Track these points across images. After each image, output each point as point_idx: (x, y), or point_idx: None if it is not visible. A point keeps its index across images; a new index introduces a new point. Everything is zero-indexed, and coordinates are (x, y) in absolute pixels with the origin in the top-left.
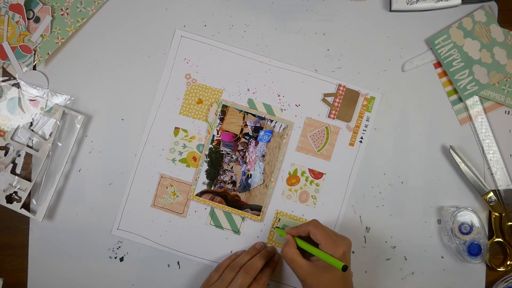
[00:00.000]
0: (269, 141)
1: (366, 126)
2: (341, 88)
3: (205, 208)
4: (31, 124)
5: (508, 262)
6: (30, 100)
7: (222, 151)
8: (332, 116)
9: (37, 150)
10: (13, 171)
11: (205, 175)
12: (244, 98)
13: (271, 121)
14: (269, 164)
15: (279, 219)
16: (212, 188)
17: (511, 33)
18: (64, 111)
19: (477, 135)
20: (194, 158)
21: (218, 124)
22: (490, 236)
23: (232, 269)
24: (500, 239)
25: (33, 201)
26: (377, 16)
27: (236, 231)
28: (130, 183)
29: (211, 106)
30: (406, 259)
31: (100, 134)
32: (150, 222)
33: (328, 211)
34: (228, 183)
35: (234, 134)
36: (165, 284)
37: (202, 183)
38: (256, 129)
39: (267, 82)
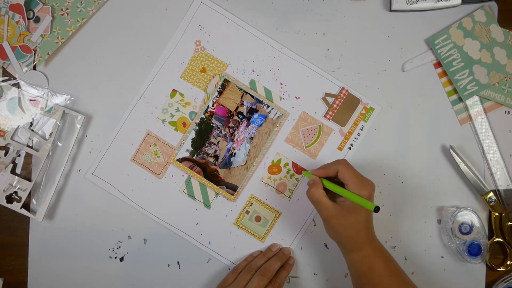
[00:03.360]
0: (261, 125)
1: (358, 134)
2: (344, 92)
3: (182, 175)
4: (31, 124)
5: (508, 262)
6: (30, 100)
7: (212, 123)
8: (328, 116)
9: (37, 150)
10: (13, 171)
11: (191, 143)
12: (247, 78)
13: (268, 106)
14: (255, 148)
15: (251, 203)
16: (194, 157)
17: (511, 33)
18: (64, 111)
19: (477, 135)
20: (184, 124)
21: (216, 96)
22: (490, 236)
23: (248, 271)
24: (500, 239)
25: (33, 201)
26: (377, 16)
27: (207, 205)
28: (116, 132)
29: (213, 77)
30: (406, 259)
31: (100, 134)
32: (126, 175)
33: (301, 208)
34: (211, 156)
35: (229, 110)
36: (165, 284)
37: (185, 149)
38: (251, 111)
39: (273, 67)
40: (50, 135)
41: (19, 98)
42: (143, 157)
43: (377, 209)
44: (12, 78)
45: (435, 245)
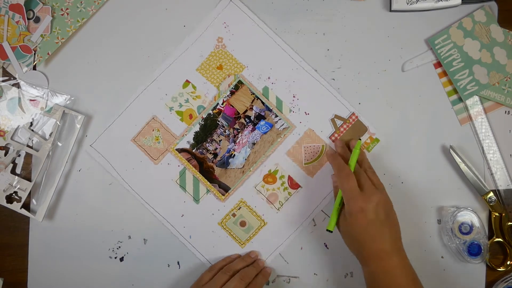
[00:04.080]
0: (265, 132)
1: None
2: (353, 117)
3: (178, 165)
4: (31, 124)
5: (508, 262)
6: (30, 100)
7: (219, 121)
8: (333, 138)
9: (37, 150)
10: (13, 171)
11: (193, 136)
12: (261, 83)
13: (276, 116)
14: (255, 154)
15: (240, 207)
16: (193, 150)
17: (511, 33)
18: (64, 111)
19: (477, 135)
20: (191, 116)
21: (227, 96)
22: (490, 236)
23: (225, 272)
24: (500, 239)
25: (33, 201)
26: (377, 16)
27: (196, 200)
28: (122, 110)
29: (228, 76)
30: None
31: (100, 134)
32: (124, 154)
33: (287, 222)
34: (210, 153)
35: (237, 111)
36: (165, 284)
37: (186, 141)
38: (259, 117)
39: (289, 79)
40: (50, 135)
41: (19, 98)
42: (143, 140)
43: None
44: (12, 78)
45: (435, 245)
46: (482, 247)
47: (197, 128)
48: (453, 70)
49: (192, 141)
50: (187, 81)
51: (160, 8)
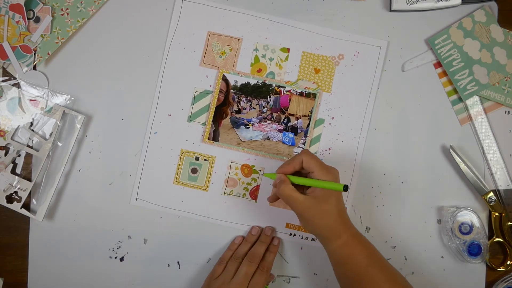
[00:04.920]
0: (283, 142)
1: None
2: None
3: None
4: (31, 124)
5: (508, 262)
6: (30, 100)
7: (269, 97)
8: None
9: (37, 150)
10: (13, 171)
11: (244, 82)
12: (323, 114)
13: (303, 143)
14: (260, 145)
15: (206, 159)
16: (231, 90)
17: (511, 33)
18: (64, 111)
19: (477, 135)
20: (259, 70)
21: (296, 92)
22: (490, 236)
23: (235, 260)
24: (500, 239)
25: (33, 201)
26: (377, 16)
27: (190, 119)
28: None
29: (314, 83)
30: (406, 259)
31: (100, 134)
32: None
33: (214, 206)
34: (238, 106)
35: (286, 108)
36: (165, 284)
37: (235, 80)
38: (293, 129)
39: (347, 139)
40: (50, 135)
41: (19, 98)
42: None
43: (346, 188)
44: (12, 78)
45: (435, 245)
46: (482, 247)
47: (253, 81)
48: (453, 70)
49: (239, 85)
50: (287, 49)
51: (160, 8)
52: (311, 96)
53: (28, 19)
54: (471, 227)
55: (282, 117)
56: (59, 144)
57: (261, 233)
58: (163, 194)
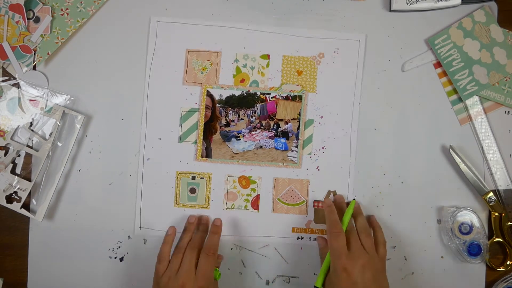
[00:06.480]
0: (276, 149)
1: None
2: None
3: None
4: (31, 124)
5: (508, 262)
6: (30, 100)
7: (256, 106)
8: (316, 205)
9: (37, 150)
10: (13, 171)
11: (229, 94)
12: (313, 114)
13: (296, 146)
14: (254, 154)
15: (203, 177)
16: (217, 105)
17: (511, 33)
18: (64, 111)
19: (477, 135)
20: (242, 80)
21: (282, 96)
22: (490, 236)
23: (177, 253)
24: (500, 239)
25: (33, 201)
26: (377, 16)
27: (180, 140)
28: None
29: (298, 85)
30: (406, 259)
31: (100, 134)
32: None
33: (223, 221)
34: (225, 119)
35: (275, 114)
36: None
37: (220, 94)
38: (284, 134)
39: (342, 133)
40: (50, 135)
41: (19, 98)
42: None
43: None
44: (12, 78)
45: (435, 245)
46: (482, 247)
47: (237, 92)
48: (453, 70)
49: (224, 98)
50: (267, 55)
51: (160, 8)
52: (297, 98)
53: (28, 19)
54: (471, 227)
55: (271, 123)
56: (59, 144)
57: (199, 222)
58: (166, 219)
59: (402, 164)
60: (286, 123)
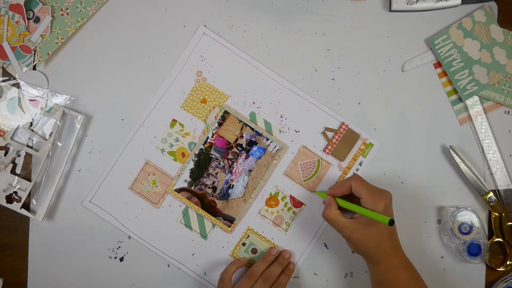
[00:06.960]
0: (259, 157)
1: (357, 169)
2: (343, 127)
3: (180, 205)
4: (31, 124)
5: (508, 262)
6: (30, 100)
7: (212, 155)
8: (327, 151)
9: (37, 150)
10: (13, 171)
11: (189, 174)
12: (247, 110)
13: (267, 139)
14: (253, 180)
15: (248, 235)
16: (192, 188)
17: (511, 33)
18: (64, 111)
19: (477, 135)
20: (183, 154)
21: (216, 128)
22: (490, 236)
23: (250, 277)
24: (500, 239)
25: (33, 201)
26: (377, 16)
27: (204, 236)
28: (115, 160)
29: (213, 108)
30: None
31: (100, 134)
32: (124, 204)
33: (297, 241)
34: (209, 187)
35: (228, 142)
36: (165, 284)
37: (183, 180)
38: (251, 143)
39: (274, 100)
40: (50, 135)
41: (19, 98)
42: (141, 186)
43: (391, 222)
44: (12, 78)
45: (435, 245)
46: (482, 247)
47: (191, 165)
48: (453, 70)
49: (189, 179)
50: (173, 120)
51: (160, 8)
52: (226, 117)
53: (28, 19)
54: (471, 227)
55: (236, 150)
56: (59, 144)
57: (279, 255)
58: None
59: (402, 164)
60: (242, 136)
